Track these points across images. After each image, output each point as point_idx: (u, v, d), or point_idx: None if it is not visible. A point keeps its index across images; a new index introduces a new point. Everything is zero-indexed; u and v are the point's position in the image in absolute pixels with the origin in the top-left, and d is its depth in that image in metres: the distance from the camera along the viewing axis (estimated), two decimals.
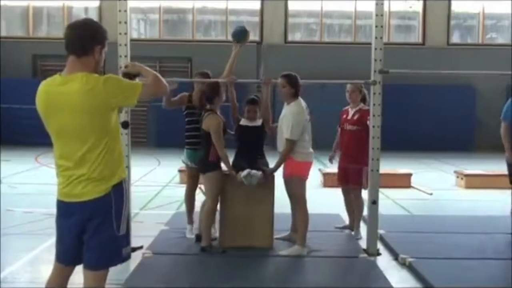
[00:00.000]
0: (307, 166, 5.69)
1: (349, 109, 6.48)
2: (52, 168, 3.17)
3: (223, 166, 5.66)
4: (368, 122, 6.13)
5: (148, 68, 3.24)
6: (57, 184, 3.11)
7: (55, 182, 3.14)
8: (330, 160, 6.80)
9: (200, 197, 6.27)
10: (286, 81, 5.64)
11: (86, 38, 3.01)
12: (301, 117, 5.58)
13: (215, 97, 5.64)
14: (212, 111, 5.60)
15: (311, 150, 5.73)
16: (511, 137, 6.33)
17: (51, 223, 3.20)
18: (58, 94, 2.97)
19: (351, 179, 6.39)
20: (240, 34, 5.96)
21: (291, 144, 5.54)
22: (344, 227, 6.65)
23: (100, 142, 3.00)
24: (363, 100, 6.42)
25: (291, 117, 5.53)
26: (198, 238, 5.82)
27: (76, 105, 2.93)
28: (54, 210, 3.15)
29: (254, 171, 5.49)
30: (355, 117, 6.35)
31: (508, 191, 6.66)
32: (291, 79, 5.66)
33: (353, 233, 6.46)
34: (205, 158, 5.59)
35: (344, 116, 6.50)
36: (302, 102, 5.68)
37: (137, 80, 3.29)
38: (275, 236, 5.88)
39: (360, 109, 6.36)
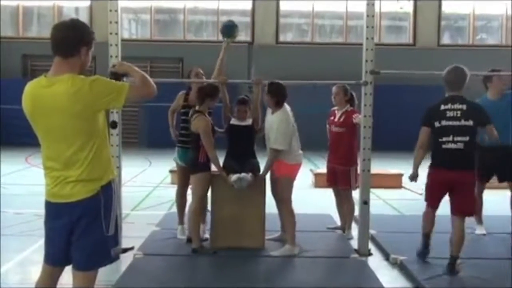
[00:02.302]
0: (297, 167, 5.72)
1: (336, 111, 6.49)
2: (42, 168, 3.14)
3: (212, 167, 5.66)
4: (353, 120, 6.16)
5: (136, 68, 3.21)
6: (45, 185, 3.10)
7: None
8: None
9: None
10: (268, 90, 5.65)
11: (72, 39, 2.98)
12: (287, 127, 5.56)
13: (208, 98, 5.62)
14: (200, 112, 5.58)
15: (300, 152, 5.75)
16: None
17: (41, 224, 3.18)
18: (44, 96, 2.94)
19: (340, 180, 6.42)
20: (229, 29, 5.95)
21: (276, 153, 5.55)
22: (336, 228, 6.66)
23: (88, 143, 2.98)
24: (350, 101, 6.43)
25: (277, 127, 5.52)
26: (190, 240, 5.80)
27: (62, 107, 2.91)
28: (44, 211, 3.14)
29: (244, 175, 5.49)
30: (341, 119, 6.36)
31: (500, 191, 6.74)
32: (273, 88, 5.64)
33: (344, 233, 6.47)
34: (195, 159, 5.58)
35: (332, 117, 6.52)
36: (286, 109, 5.65)
37: (124, 79, 3.26)
38: (266, 237, 5.88)
39: (346, 111, 6.37)
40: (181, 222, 6.20)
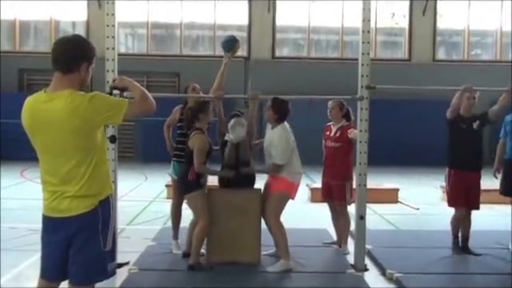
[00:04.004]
0: (296, 185, 5.68)
1: (332, 126, 6.52)
2: (37, 183, 3.14)
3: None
4: (348, 135, 6.20)
5: (136, 84, 3.20)
6: (43, 200, 3.08)
7: (41, 197, 3.11)
8: None
9: (187, 213, 6.21)
10: (270, 105, 5.65)
11: (72, 54, 2.99)
12: (288, 142, 5.57)
13: (200, 114, 5.60)
14: (199, 130, 5.57)
15: (300, 171, 5.74)
16: (501, 152, 6.80)
17: (36, 238, 3.16)
18: (43, 112, 2.95)
19: (335, 195, 6.42)
20: (230, 43, 5.94)
21: (279, 168, 5.56)
22: (332, 243, 6.64)
23: (86, 159, 2.98)
24: (346, 117, 6.46)
25: (279, 143, 5.54)
26: (186, 255, 5.77)
27: (61, 123, 2.91)
28: (39, 225, 3.12)
29: (238, 120, 5.52)
30: (337, 134, 6.39)
31: (493, 206, 6.76)
32: (276, 104, 5.65)
33: (340, 248, 6.45)
34: (185, 177, 5.52)
35: (327, 132, 6.54)
36: (286, 125, 5.66)
37: (125, 94, 3.27)
38: (263, 252, 5.84)
39: (342, 126, 6.39)
40: (175, 237, 6.17)
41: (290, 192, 5.64)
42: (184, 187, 5.59)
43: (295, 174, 5.67)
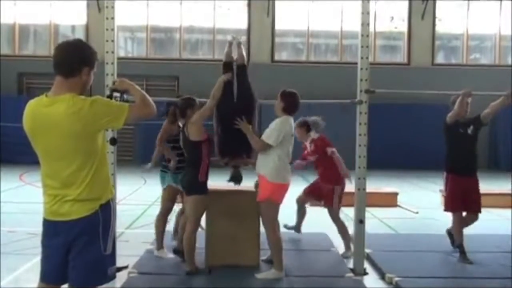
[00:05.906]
0: (282, 188, 5.42)
1: (307, 144, 6.79)
2: (36, 186, 3.15)
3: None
4: (327, 149, 6.51)
5: (136, 87, 3.21)
6: (43, 203, 3.08)
7: (40, 200, 3.11)
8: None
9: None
10: (280, 95, 5.61)
11: (74, 59, 3.00)
12: (285, 126, 5.42)
13: (188, 110, 5.52)
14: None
15: (289, 171, 5.53)
16: None
17: (36, 242, 3.16)
18: (45, 116, 2.95)
19: (324, 198, 6.61)
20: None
21: (263, 145, 5.36)
22: (291, 228, 6.94)
23: (87, 163, 2.98)
24: (309, 129, 6.70)
25: (274, 123, 5.44)
26: (176, 251, 5.83)
27: (62, 127, 2.92)
28: (38, 229, 3.12)
29: None
30: (312, 148, 6.68)
31: (493, 210, 6.76)
32: (285, 94, 5.58)
33: (341, 252, 6.45)
34: (195, 178, 5.41)
35: (305, 151, 6.81)
36: (291, 120, 5.60)
37: (125, 96, 3.27)
38: (262, 258, 5.81)
39: (313, 139, 6.68)
40: (160, 247, 6.10)
41: (276, 198, 5.38)
42: (192, 188, 5.46)
43: (281, 176, 5.38)
